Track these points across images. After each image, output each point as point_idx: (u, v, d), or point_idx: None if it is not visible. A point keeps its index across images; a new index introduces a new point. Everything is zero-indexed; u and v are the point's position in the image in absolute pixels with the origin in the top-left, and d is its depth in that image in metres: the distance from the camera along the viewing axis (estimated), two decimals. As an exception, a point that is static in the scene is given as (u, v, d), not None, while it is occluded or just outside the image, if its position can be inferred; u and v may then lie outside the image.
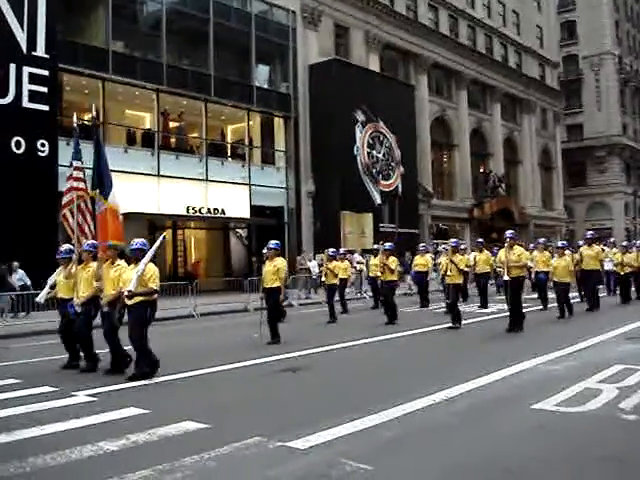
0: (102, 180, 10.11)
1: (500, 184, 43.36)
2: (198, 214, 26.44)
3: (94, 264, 9.37)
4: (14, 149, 19.92)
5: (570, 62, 62.67)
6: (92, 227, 10.19)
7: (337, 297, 16.77)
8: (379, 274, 15.21)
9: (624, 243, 19.99)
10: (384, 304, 15.32)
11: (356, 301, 21.65)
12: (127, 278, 8.48)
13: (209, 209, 26.65)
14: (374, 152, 32.30)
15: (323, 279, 15.37)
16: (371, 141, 32.16)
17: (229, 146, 30.05)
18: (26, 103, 20.34)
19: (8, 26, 20.01)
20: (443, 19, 41.99)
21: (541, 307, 16.92)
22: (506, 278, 12.44)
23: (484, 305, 17.63)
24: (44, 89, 20.80)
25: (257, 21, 29.10)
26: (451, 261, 13.50)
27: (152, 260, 8.62)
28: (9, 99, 19.99)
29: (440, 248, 22.25)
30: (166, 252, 28.83)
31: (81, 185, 10.36)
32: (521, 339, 11.78)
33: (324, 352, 10.68)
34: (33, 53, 20.58)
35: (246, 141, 29.48)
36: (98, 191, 10.02)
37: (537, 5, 53.10)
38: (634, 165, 63.76)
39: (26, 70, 20.34)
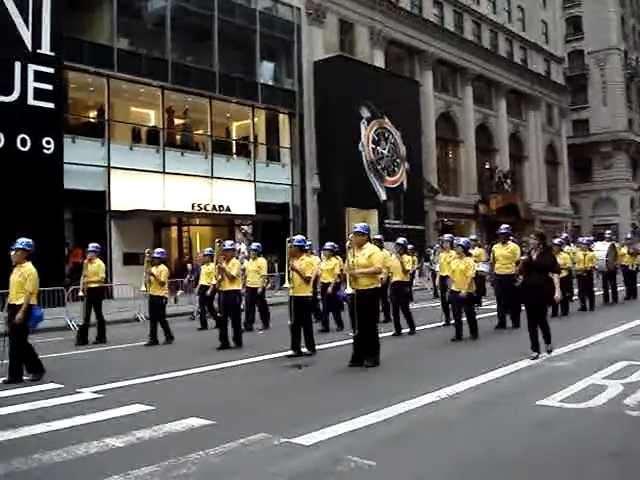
0: None
1: (505, 180, 43.31)
2: (203, 211, 26.44)
3: None
4: (19, 146, 19.96)
5: (575, 57, 62.37)
6: None
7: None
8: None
9: (557, 241, 14.95)
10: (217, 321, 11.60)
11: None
12: None
13: (214, 206, 26.67)
14: (379, 148, 32.25)
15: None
16: (376, 137, 32.11)
17: (234, 143, 30.04)
18: (31, 101, 20.38)
19: (13, 24, 20.03)
20: (448, 15, 41.87)
21: (443, 322, 13.16)
22: (349, 291, 8.71)
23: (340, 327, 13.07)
24: (49, 87, 20.84)
25: (262, 18, 29.07)
26: (292, 267, 9.82)
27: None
28: (14, 97, 20.02)
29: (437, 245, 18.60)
30: (172, 249, 28.87)
31: None
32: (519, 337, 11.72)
33: (325, 349, 10.69)
34: (38, 51, 20.60)
35: (251, 138, 29.48)
36: None
37: (542, 0, 52.87)
38: (640, 160, 63.56)
39: (31, 68, 20.38)
